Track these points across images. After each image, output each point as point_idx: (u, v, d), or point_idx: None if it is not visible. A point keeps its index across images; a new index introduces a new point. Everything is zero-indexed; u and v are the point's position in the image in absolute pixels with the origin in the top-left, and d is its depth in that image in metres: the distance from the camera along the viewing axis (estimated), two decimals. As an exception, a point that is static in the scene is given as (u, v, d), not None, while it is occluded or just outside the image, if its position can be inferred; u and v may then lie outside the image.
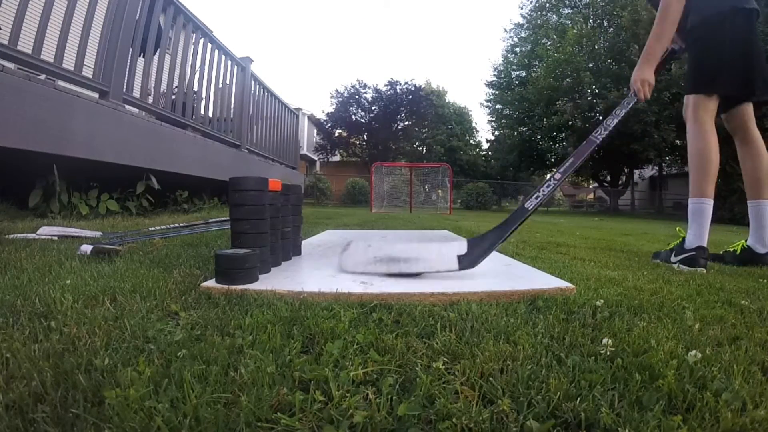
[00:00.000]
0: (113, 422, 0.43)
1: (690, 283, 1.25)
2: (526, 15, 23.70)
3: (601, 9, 19.14)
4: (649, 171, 22.87)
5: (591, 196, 26.42)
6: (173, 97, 3.73)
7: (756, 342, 0.72)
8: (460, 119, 30.71)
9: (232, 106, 4.73)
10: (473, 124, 32.12)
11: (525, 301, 0.91)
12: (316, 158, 24.83)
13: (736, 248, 1.80)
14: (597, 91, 17.52)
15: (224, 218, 2.68)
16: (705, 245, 1.61)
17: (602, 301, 0.92)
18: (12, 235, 1.62)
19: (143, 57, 3.19)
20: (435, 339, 0.67)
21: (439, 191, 14.96)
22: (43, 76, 2.44)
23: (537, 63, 22.13)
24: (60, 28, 2.33)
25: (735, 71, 1.65)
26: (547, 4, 22.27)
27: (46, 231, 1.73)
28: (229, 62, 4.49)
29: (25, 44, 2.18)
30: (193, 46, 3.88)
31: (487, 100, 26.32)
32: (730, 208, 10.35)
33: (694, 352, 0.62)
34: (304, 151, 21.99)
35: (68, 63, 2.42)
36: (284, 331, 0.68)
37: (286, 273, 1.13)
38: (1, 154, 2.02)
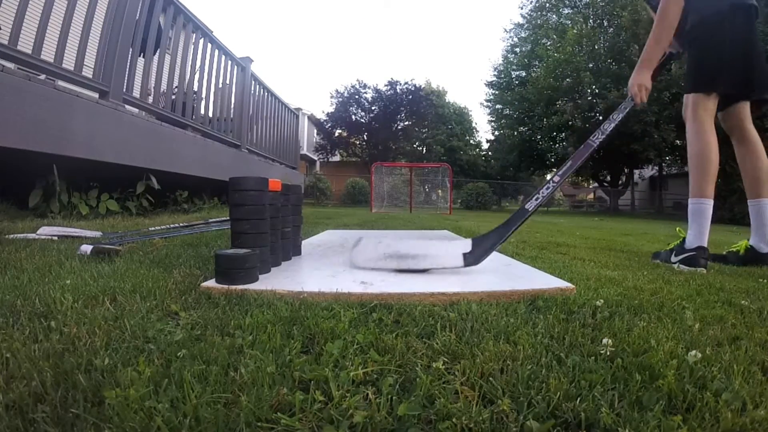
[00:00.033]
0: (113, 422, 0.43)
1: (690, 283, 1.25)
2: (526, 15, 23.71)
3: (601, 9, 19.14)
4: (649, 171, 22.88)
5: (591, 196, 26.41)
6: (173, 97, 3.73)
7: (756, 342, 0.72)
8: (460, 119, 30.72)
9: (232, 106, 4.73)
10: (473, 124, 32.16)
11: (525, 301, 0.91)
12: (316, 158, 24.83)
13: (739, 248, 1.79)
14: (597, 91, 17.52)
15: (224, 218, 2.68)
16: (705, 245, 1.61)
17: (602, 301, 0.92)
18: (12, 235, 1.62)
19: (143, 57, 3.19)
20: (435, 339, 0.67)
21: (439, 191, 14.96)
22: (43, 76, 2.44)
23: (537, 63, 22.13)
24: (60, 28, 2.33)
25: (735, 70, 1.65)
26: (547, 4, 22.26)
27: (46, 231, 1.73)
28: (229, 62, 4.49)
29: (25, 44, 2.18)
30: (193, 46, 3.88)
31: (487, 100, 26.33)
32: (730, 208, 10.35)
33: (694, 352, 0.62)
34: (304, 151, 21.99)
35: (68, 63, 2.42)
36: (284, 331, 0.68)
37: (286, 273, 1.13)
38: (1, 154, 2.02)
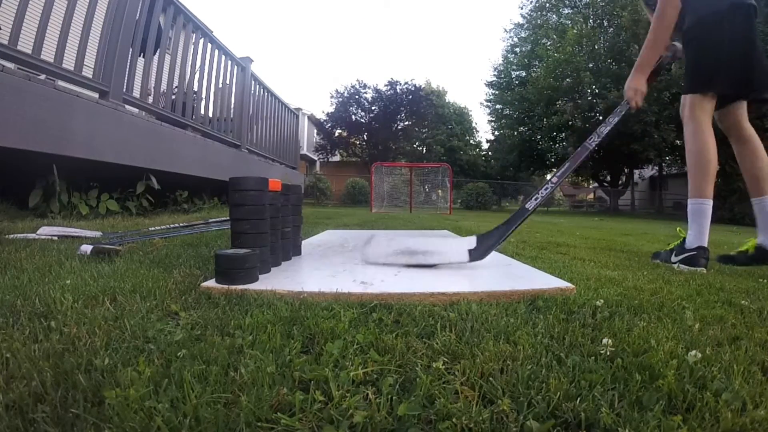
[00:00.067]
0: (113, 422, 0.43)
1: (690, 283, 1.25)
2: (526, 15, 23.70)
3: (601, 9, 19.12)
4: (649, 171, 22.87)
5: (591, 196, 26.41)
6: (173, 97, 3.73)
7: (756, 342, 0.72)
8: (460, 119, 30.71)
9: (232, 106, 4.73)
10: (473, 124, 32.13)
11: (525, 301, 0.91)
12: (316, 158, 24.82)
13: (748, 248, 1.76)
14: (597, 91, 17.51)
15: (224, 218, 2.68)
16: (706, 245, 1.61)
17: (602, 301, 0.92)
18: (12, 235, 1.62)
19: (143, 57, 3.19)
20: (435, 339, 0.67)
21: (439, 191, 14.96)
22: (43, 76, 2.44)
23: (537, 63, 22.11)
24: (60, 28, 2.33)
25: (733, 70, 1.64)
26: (547, 4, 22.25)
27: (46, 231, 1.73)
28: (229, 62, 4.49)
29: (25, 44, 2.18)
30: (193, 46, 3.88)
31: (487, 100, 26.30)
32: (730, 208, 10.35)
33: (694, 352, 0.62)
34: (304, 151, 21.99)
35: (68, 63, 2.42)
36: (284, 331, 0.68)
37: (286, 273, 1.13)
38: (1, 154, 2.02)
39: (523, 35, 24.22)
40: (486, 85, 26.09)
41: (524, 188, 23.93)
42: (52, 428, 0.43)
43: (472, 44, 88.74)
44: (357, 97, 22.28)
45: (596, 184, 24.07)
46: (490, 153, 28.88)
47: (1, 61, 2.08)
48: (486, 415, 0.46)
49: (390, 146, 23.11)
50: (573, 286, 1.02)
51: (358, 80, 27.43)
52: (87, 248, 1.31)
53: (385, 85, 22.11)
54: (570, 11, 21.36)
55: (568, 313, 0.84)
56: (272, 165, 5.79)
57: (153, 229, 2.12)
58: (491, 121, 26.16)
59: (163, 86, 3.57)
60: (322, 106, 73.94)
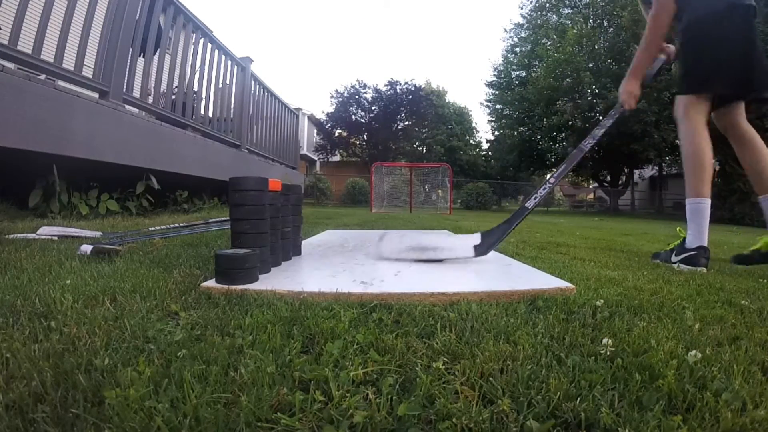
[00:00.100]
0: (113, 422, 0.43)
1: (690, 283, 1.25)
2: (526, 15, 23.69)
3: (601, 9, 19.12)
4: (649, 171, 22.88)
5: (591, 196, 26.42)
6: (173, 97, 3.73)
7: (756, 342, 0.72)
8: (460, 119, 30.70)
9: (232, 106, 4.73)
10: (473, 124, 32.13)
11: (525, 301, 0.91)
12: (316, 158, 24.83)
13: (761, 246, 1.74)
14: (597, 91, 17.51)
15: (224, 218, 2.68)
16: (706, 245, 1.61)
17: (602, 301, 0.92)
18: (12, 235, 1.62)
19: (143, 57, 3.19)
20: (435, 339, 0.67)
21: (439, 191, 14.96)
22: (43, 76, 2.44)
23: (537, 63, 22.11)
24: (60, 28, 2.33)
25: (730, 71, 1.63)
26: (547, 4, 22.24)
27: (46, 231, 1.73)
28: (229, 62, 4.49)
29: (25, 44, 2.18)
30: (193, 46, 3.88)
31: (487, 100, 26.31)
32: (730, 208, 10.35)
33: (694, 352, 0.62)
34: (304, 151, 21.99)
35: (68, 63, 2.42)
36: (284, 331, 0.68)
37: (286, 273, 1.13)
38: (1, 154, 2.02)
39: (523, 35, 24.23)
40: (486, 85, 26.11)
41: (524, 188, 23.94)
42: (52, 428, 0.43)
43: (472, 44, 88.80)
44: (357, 97, 22.28)
45: (596, 184, 24.08)
46: (490, 153, 28.88)
47: (1, 61, 2.08)
48: (486, 415, 0.46)
49: (390, 146, 23.11)
50: (573, 286, 1.02)
51: (358, 80, 27.47)
52: (87, 248, 1.31)
53: (385, 85, 22.14)
54: (570, 11, 21.35)
55: (568, 313, 0.84)
56: (272, 165, 5.79)
57: (153, 229, 2.12)
58: (491, 121, 26.17)
59: (163, 86, 3.57)
60: (322, 106, 74.01)
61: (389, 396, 0.49)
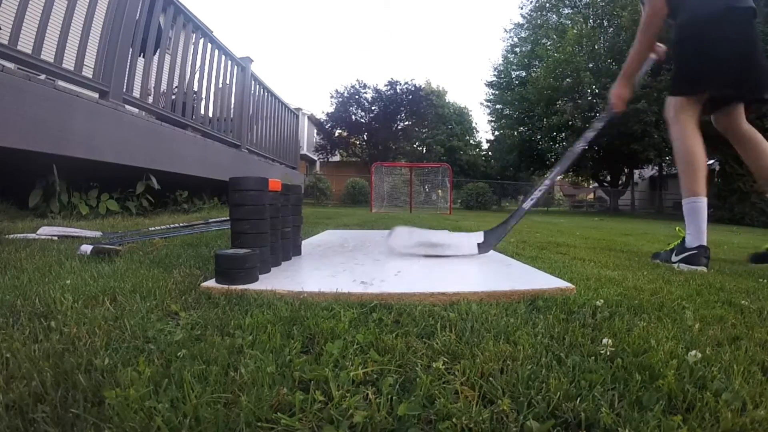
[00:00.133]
0: (113, 422, 0.43)
1: (690, 283, 1.25)
2: (526, 15, 23.69)
3: (601, 9, 19.11)
4: (649, 171, 22.89)
5: (591, 196, 26.42)
6: (173, 97, 3.73)
7: (756, 342, 0.72)
8: (460, 119, 30.70)
9: (232, 106, 4.73)
10: (473, 124, 32.13)
11: (525, 301, 0.91)
12: (316, 158, 24.83)
13: None
14: (597, 91, 17.50)
15: (224, 218, 2.68)
16: (705, 244, 1.61)
17: (602, 301, 0.92)
18: (12, 235, 1.62)
19: (143, 57, 3.19)
20: (435, 339, 0.67)
21: (439, 191, 14.96)
22: (43, 76, 2.44)
23: (537, 63, 22.10)
24: (60, 28, 2.33)
25: (719, 73, 1.62)
26: (547, 4, 22.24)
27: (46, 231, 1.73)
28: (229, 62, 4.49)
29: (25, 44, 2.18)
30: (193, 46, 3.88)
31: (487, 100, 26.30)
32: (730, 208, 10.34)
33: (694, 352, 0.62)
34: (304, 151, 21.99)
35: (68, 63, 2.42)
36: (284, 331, 0.68)
37: (286, 273, 1.13)
38: (1, 154, 2.02)
39: (523, 35, 24.22)
40: (486, 85, 26.11)
41: (524, 188, 23.91)
42: (52, 428, 0.43)
43: (472, 44, 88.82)
44: (357, 97, 22.28)
45: (596, 184, 24.09)
46: (490, 153, 28.88)
47: (1, 61, 2.08)
48: (486, 415, 0.46)
49: (390, 146, 23.11)
50: (573, 286, 1.02)
51: (358, 80, 27.45)
52: (87, 248, 1.31)
53: (385, 85, 22.13)
54: (570, 11, 21.35)
55: (568, 313, 0.84)
56: (272, 165, 5.79)
57: (153, 229, 2.12)
58: (491, 121, 26.17)
59: (163, 86, 3.57)
60: (322, 106, 73.99)
61: (389, 396, 0.49)
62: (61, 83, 2.40)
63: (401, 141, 23.90)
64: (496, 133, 25.82)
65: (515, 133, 22.95)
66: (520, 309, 0.84)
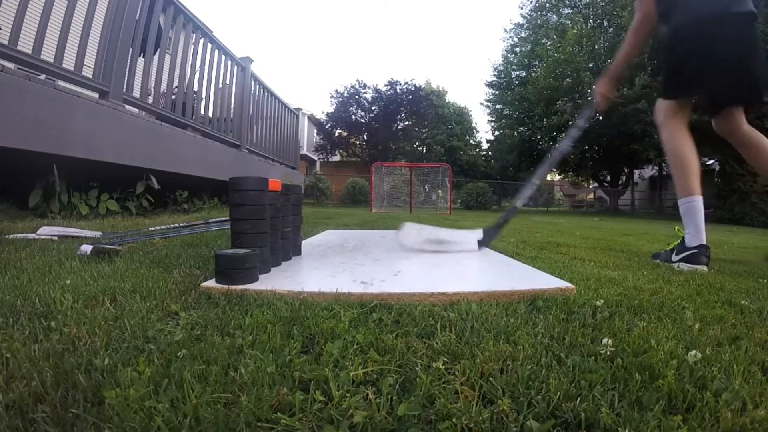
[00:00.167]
0: (113, 422, 0.43)
1: (690, 283, 1.25)
2: (526, 15, 23.67)
3: (601, 9, 19.10)
4: (649, 171, 22.88)
5: (591, 196, 26.42)
6: (173, 97, 3.73)
7: (756, 342, 0.72)
8: (460, 119, 30.70)
9: (232, 106, 4.73)
10: (473, 124, 32.11)
11: (525, 301, 0.91)
12: (316, 158, 24.83)
13: None
14: (597, 91, 17.49)
15: (224, 218, 2.68)
16: (705, 242, 1.61)
17: (602, 301, 0.92)
18: (12, 235, 1.62)
19: (143, 57, 3.19)
20: (435, 339, 0.67)
21: (439, 191, 14.96)
22: (43, 76, 2.45)
23: (537, 63, 22.09)
24: (60, 28, 2.33)
25: (708, 78, 1.61)
26: (547, 4, 22.22)
27: (46, 231, 1.73)
28: (229, 62, 4.49)
29: (25, 44, 2.18)
30: (193, 46, 3.88)
31: (487, 100, 26.25)
32: (730, 208, 10.33)
33: (694, 352, 0.62)
34: (304, 151, 21.99)
35: (68, 63, 2.42)
36: (284, 331, 0.68)
37: (286, 273, 1.13)
38: (1, 154, 2.02)
39: (523, 35, 24.20)
40: (486, 85, 26.06)
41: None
42: (52, 428, 0.43)
43: (472, 44, 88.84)
44: (357, 97, 22.28)
45: (596, 184, 24.09)
46: (490, 153, 28.87)
47: (1, 61, 2.08)
48: (486, 415, 0.46)
49: (390, 146, 23.10)
50: (573, 286, 1.02)
51: (358, 80, 27.43)
52: (87, 248, 1.31)
53: (385, 85, 22.13)
54: (570, 11, 21.33)
55: (568, 313, 0.84)
56: (272, 165, 5.79)
57: (153, 229, 2.12)
58: (491, 121, 26.14)
59: (163, 86, 3.57)
60: (322, 106, 73.99)
61: (389, 396, 0.49)
62: (61, 83, 2.40)
63: (401, 141, 23.89)
64: (496, 133, 25.81)
65: (515, 133, 22.94)
66: (520, 309, 0.84)
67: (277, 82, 63.42)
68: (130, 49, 2.88)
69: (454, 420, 0.45)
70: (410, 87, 22.04)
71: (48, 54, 2.27)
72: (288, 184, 1.32)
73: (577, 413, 0.47)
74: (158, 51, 3.32)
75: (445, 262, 1.38)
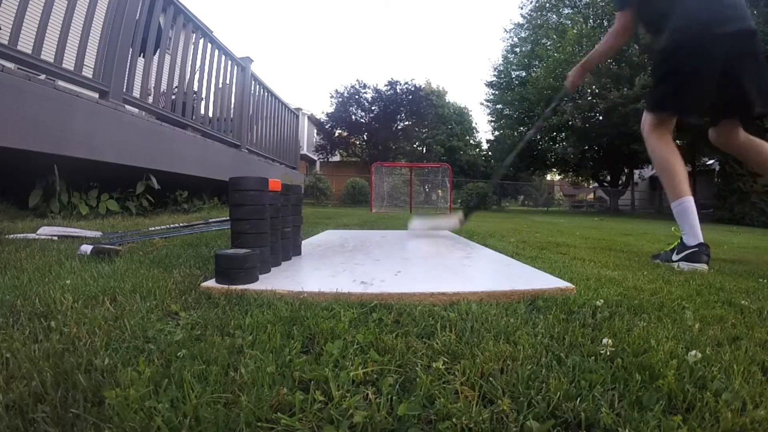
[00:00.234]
0: (113, 422, 0.43)
1: (690, 283, 1.25)
2: (526, 15, 23.67)
3: (601, 9, 19.08)
4: (649, 171, 22.87)
5: (591, 196, 26.43)
6: (173, 97, 3.73)
7: (756, 342, 0.72)
8: (460, 119, 30.70)
9: (232, 106, 4.73)
10: (473, 124, 32.12)
11: (525, 301, 0.91)
12: (316, 158, 24.83)
13: None
14: (597, 91, 17.49)
15: (224, 218, 2.68)
16: (703, 241, 1.61)
17: (602, 301, 0.92)
18: (12, 235, 1.62)
19: (143, 57, 3.19)
20: (435, 339, 0.67)
21: (439, 191, 14.95)
22: (43, 76, 2.44)
23: (537, 63, 22.08)
24: (60, 28, 2.33)
25: (689, 97, 1.60)
26: (547, 4, 22.22)
27: (46, 231, 1.73)
28: (229, 62, 4.49)
29: (25, 44, 2.18)
30: (193, 46, 3.88)
31: (487, 100, 26.26)
32: (730, 208, 10.33)
33: (694, 352, 0.62)
34: (304, 151, 22.00)
35: (68, 63, 2.42)
36: (284, 331, 0.68)
37: (286, 273, 1.13)
38: (1, 154, 2.02)
39: (523, 35, 24.20)
40: (486, 85, 26.07)
41: (524, 188, 23.96)
42: (52, 428, 0.43)
43: (472, 44, 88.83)
44: (357, 97, 22.27)
45: (596, 184, 24.09)
46: (490, 153, 28.88)
47: (1, 61, 2.08)
48: (486, 415, 0.46)
49: (390, 146, 23.09)
50: (573, 286, 1.02)
51: (358, 80, 27.40)
52: (87, 248, 1.31)
53: (385, 85, 22.10)
54: (570, 11, 21.32)
55: (568, 313, 0.84)
56: (272, 165, 5.79)
57: (153, 229, 2.12)
58: (491, 121, 26.14)
59: (163, 86, 3.57)
60: (322, 106, 73.96)
61: (389, 396, 0.49)
62: (61, 83, 2.40)
63: (401, 141, 23.88)
64: (496, 133, 25.80)
65: (515, 133, 22.92)
66: (520, 309, 0.84)
67: (277, 82, 63.46)
68: (130, 49, 2.88)
69: (454, 420, 0.45)
70: (410, 87, 22.03)
71: (48, 54, 2.27)
72: (288, 184, 1.33)
73: (577, 413, 0.47)
74: (158, 51, 3.32)
75: (445, 262, 1.38)
